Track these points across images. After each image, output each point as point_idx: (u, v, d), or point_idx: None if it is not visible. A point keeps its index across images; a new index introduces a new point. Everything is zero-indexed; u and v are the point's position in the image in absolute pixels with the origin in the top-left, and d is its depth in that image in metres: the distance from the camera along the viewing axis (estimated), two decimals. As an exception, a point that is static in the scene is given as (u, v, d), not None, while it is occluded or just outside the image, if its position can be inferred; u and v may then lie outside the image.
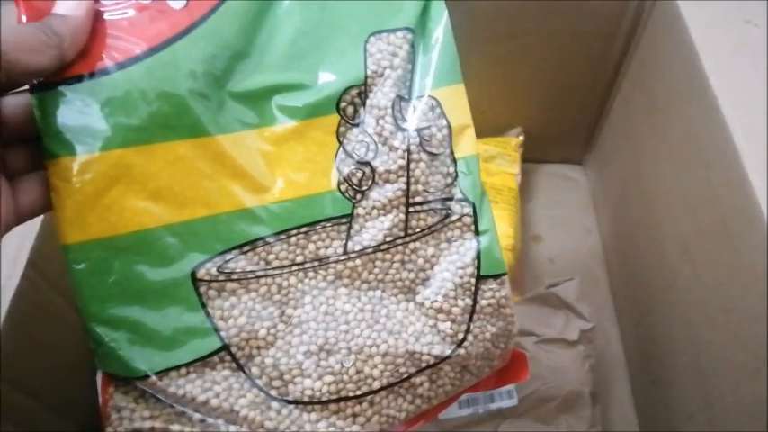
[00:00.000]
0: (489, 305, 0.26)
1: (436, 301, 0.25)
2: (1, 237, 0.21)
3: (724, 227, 0.35)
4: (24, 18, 0.21)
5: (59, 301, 0.34)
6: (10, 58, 0.19)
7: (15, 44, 0.19)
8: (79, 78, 0.22)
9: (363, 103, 0.25)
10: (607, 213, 0.58)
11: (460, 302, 0.25)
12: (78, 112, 0.22)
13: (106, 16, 0.22)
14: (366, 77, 0.25)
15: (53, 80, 0.21)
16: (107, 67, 0.22)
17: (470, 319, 0.26)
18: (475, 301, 0.26)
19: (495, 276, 0.26)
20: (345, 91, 0.25)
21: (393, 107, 0.25)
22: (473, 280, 0.26)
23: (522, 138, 0.58)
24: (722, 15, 0.40)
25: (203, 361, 0.24)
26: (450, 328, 0.25)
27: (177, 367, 0.24)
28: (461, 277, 0.25)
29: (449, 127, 0.26)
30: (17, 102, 0.22)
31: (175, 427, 0.24)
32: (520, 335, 0.43)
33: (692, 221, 0.40)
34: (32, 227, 0.32)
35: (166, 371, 0.23)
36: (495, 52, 0.51)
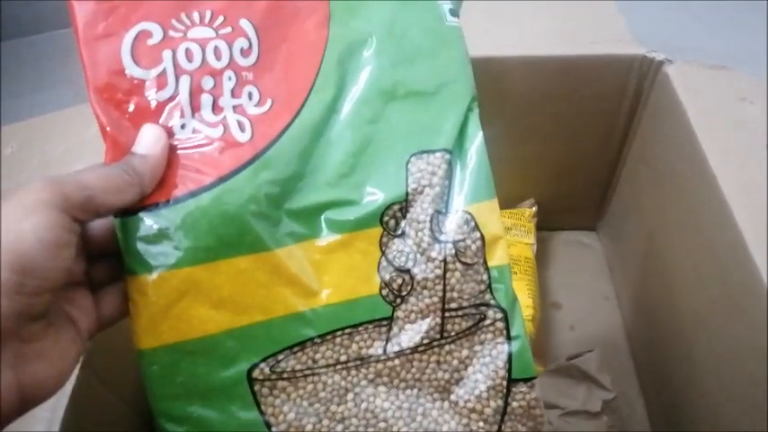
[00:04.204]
0: (520, 407, 0.28)
1: (470, 401, 0.27)
2: (86, 345, 0.24)
3: (733, 301, 0.36)
4: (109, 153, 0.24)
5: (111, 397, 0.36)
6: (98, 201, 0.22)
7: (102, 187, 0.22)
8: (156, 205, 0.25)
9: (404, 217, 0.28)
10: (623, 280, 0.59)
11: (492, 403, 0.27)
12: (155, 235, 0.24)
13: (180, 150, 0.25)
14: (407, 194, 0.28)
15: (134, 206, 0.24)
16: (181, 195, 0.25)
17: (502, 420, 0.28)
18: (506, 403, 0.28)
19: (526, 380, 0.28)
20: (388, 206, 0.27)
21: (431, 221, 0.28)
22: (505, 383, 0.28)
23: (535, 209, 0.60)
24: (718, 94, 0.41)
25: None
26: (483, 428, 0.27)
27: None
28: (494, 380, 0.27)
29: (482, 239, 0.28)
30: (102, 224, 0.25)
31: None
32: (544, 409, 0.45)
33: (702, 294, 0.41)
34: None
35: None
36: (505, 132, 0.54)
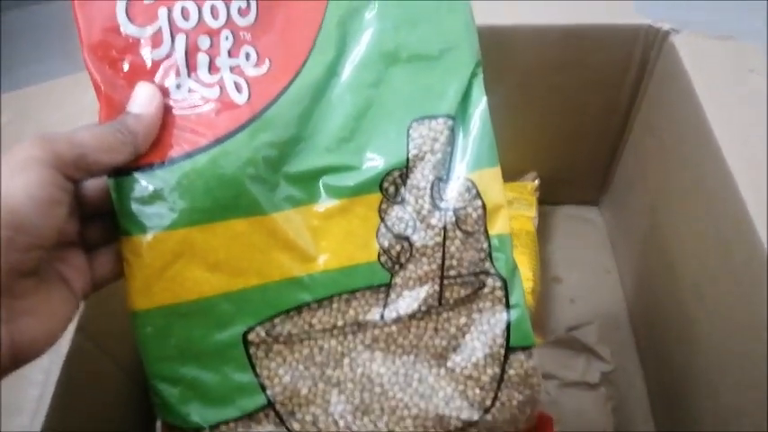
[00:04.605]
0: (517, 375, 0.28)
1: (466, 368, 0.27)
2: (80, 305, 0.24)
3: (734, 275, 0.36)
4: (104, 112, 0.24)
5: (106, 360, 0.36)
6: (90, 159, 0.21)
7: (95, 145, 0.22)
8: (151, 165, 0.24)
9: (404, 184, 0.27)
10: (625, 253, 0.59)
11: (489, 371, 0.27)
12: (150, 195, 0.24)
13: (175, 110, 0.25)
14: (408, 160, 0.27)
15: (128, 166, 0.24)
16: (176, 156, 0.24)
17: (499, 387, 0.27)
18: (503, 371, 0.27)
19: (524, 348, 0.28)
20: (389, 172, 0.27)
21: (432, 188, 0.27)
22: (502, 350, 0.27)
23: (537, 182, 0.60)
24: (724, 65, 0.41)
25: (250, 416, 0.26)
26: (479, 395, 0.27)
27: (227, 422, 0.26)
28: (491, 347, 0.27)
29: (483, 207, 0.28)
30: (95, 184, 0.24)
31: (224, 473, 0.26)
32: (543, 378, 0.45)
33: (703, 268, 0.41)
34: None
35: (218, 425, 0.26)
36: (507, 103, 0.52)
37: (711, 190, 0.38)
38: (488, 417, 0.27)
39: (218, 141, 0.25)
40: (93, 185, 0.25)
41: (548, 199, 0.62)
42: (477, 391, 0.27)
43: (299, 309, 0.27)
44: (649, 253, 0.52)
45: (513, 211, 0.57)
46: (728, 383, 0.39)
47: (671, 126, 0.45)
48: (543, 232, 0.61)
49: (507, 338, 0.27)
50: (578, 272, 0.60)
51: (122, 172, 0.24)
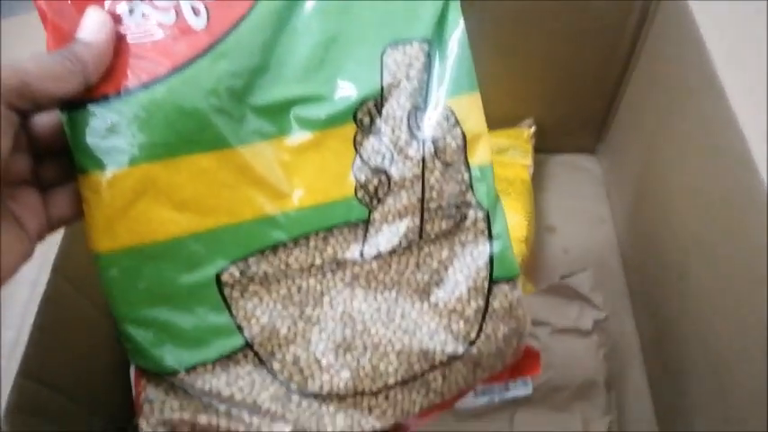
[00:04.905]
0: (502, 307, 0.27)
1: (450, 302, 0.27)
2: (35, 245, 0.23)
3: (733, 220, 0.36)
4: (51, 41, 0.22)
5: (85, 303, 0.35)
6: (35, 88, 0.20)
7: (39, 74, 0.20)
8: (106, 97, 0.23)
9: (380, 113, 0.26)
10: (621, 203, 0.58)
11: (473, 304, 0.27)
12: (106, 129, 0.23)
13: (129, 38, 0.23)
14: (382, 89, 0.26)
15: (81, 98, 0.23)
16: (132, 86, 0.23)
17: (483, 320, 0.27)
18: (487, 303, 0.27)
19: (508, 279, 0.27)
20: (362, 102, 0.26)
21: (408, 117, 0.26)
22: (486, 283, 0.27)
23: (533, 129, 0.58)
24: (731, 8, 0.39)
25: (228, 358, 0.25)
26: (463, 328, 0.27)
27: (204, 364, 0.25)
28: (475, 280, 0.26)
29: (463, 136, 0.26)
30: (47, 119, 0.23)
31: (203, 418, 0.25)
32: (534, 325, 0.44)
33: (702, 213, 0.40)
34: (56, 233, 0.33)
35: (194, 367, 0.25)
36: (504, 45, 0.51)
37: (714, 136, 0.37)
38: (473, 350, 0.27)
39: (177, 70, 0.23)
40: (46, 121, 0.23)
41: (544, 147, 0.60)
42: (462, 324, 0.27)
43: (274, 248, 0.26)
44: (646, 201, 0.51)
45: (508, 159, 0.56)
46: (722, 329, 0.38)
47: (673, 71, 0.44)
48: (538, 181, 0.60)
49: (491, 270, 0.27)
50: (573, 222, 0.59)
51: (75, 105, 0.23)
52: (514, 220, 0.52)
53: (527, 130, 0.58)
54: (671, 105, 0.45)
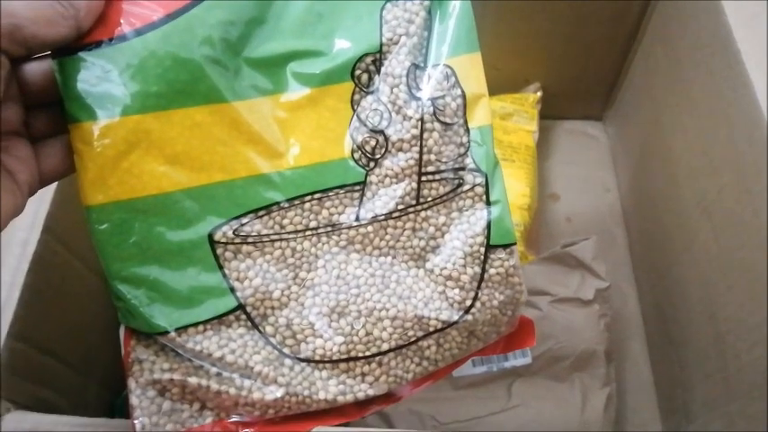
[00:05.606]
0: (498, 274, 0.26)
1: (445, 268, 0.26)
2: (26, 199, 0.22)
3: (744, 186, 0.35)
4: None
5: (76, 263, 0.35)
6: (26, 32, 0.19)
7: (31, 17, 0.19)
8: (98, 44, 0.22)
9: (378, 71, 0.25)
10: (627, 171, 0.57)
11: (469, 270, 0.26)
12: (98, 77, 0.22)
13: None
14: (381, 45, 0.25)
15: (73, 46, 0.22)
16: (125, 33, 0.22)
17: (479, 287, 0.26)
18: (484, 270, 0.26)
19: (505, 246, 0.26)
20: (360, 58, 0.25)
21: (408, 75, 0.25)
22: (483, 249, 0.26)
23: (539, 94, 0.57)
24: None
25: (220, 319, 0.25)
26: (459, 295, 0.26)
27: (195, 324, 0.25)
28: (471, 246, 0.26)
29: (463, 96, 0.26)
30: (39, 67, 0.23)
31: (193, 379, 0.25)
32: (535, 294, 0.44)
33: (711, 179, 0.39)
34: (48, 193, 0.32)
35: (185, 327, 0.25)
36: (511, 6, 0.50)
37: (726, 99, 0.36)
38: (468, 317, 0.26)
39: (170, 17, 0.23)
40: (37, 70, 0.23)
41: (550, 113, 0.59)
42: (457, 291, 0.26)
43: (268, 208, 0.25)
44: (653, 168, 0.50)
45: (513, 125, 0.55)
46: (728, 297, 0.38)
47: (685, 33, 0.43)
48: (543, 147, 0.59)
49: (488, 237, 0.26)
50: (577, 189, 0.58)
51: (67, 51, 0.22)
52: (518, 187, 0.51)
53: (533, 95, 0.57)
54: (682, 68, 0.44)
